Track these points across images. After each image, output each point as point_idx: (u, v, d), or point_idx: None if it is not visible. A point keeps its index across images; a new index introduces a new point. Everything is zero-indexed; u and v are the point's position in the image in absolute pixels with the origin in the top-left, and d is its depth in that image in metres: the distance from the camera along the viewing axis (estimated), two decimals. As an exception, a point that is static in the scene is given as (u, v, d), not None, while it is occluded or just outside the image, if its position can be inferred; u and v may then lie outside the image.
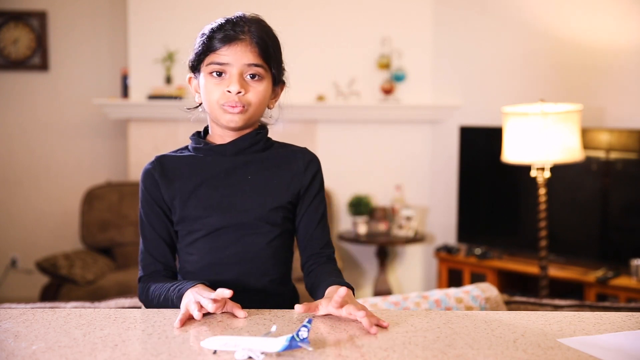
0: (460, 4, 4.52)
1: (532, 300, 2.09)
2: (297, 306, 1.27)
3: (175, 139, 4.58)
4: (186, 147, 1.52)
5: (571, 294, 3.70)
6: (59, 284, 3.86)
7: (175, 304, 1.36)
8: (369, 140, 4.66)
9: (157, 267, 1.48)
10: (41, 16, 4.72)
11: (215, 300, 1.28)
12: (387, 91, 4.57)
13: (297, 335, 1.10)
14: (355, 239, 4.41)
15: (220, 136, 1.48)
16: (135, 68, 4.49)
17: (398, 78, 4.57)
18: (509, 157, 3.43)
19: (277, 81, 1.48)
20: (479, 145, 4.29)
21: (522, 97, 3.95)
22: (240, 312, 1.29)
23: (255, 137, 1.47)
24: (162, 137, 4.57)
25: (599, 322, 1.31)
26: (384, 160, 4.70)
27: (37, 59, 4.75)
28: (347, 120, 4.61)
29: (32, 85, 4.77)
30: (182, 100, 4.43)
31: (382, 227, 4.52)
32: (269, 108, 1.51)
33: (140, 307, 1.92)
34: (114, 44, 4.76)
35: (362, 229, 4.46)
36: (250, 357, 1.08)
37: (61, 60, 4.78)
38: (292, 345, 1.10)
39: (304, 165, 1.49)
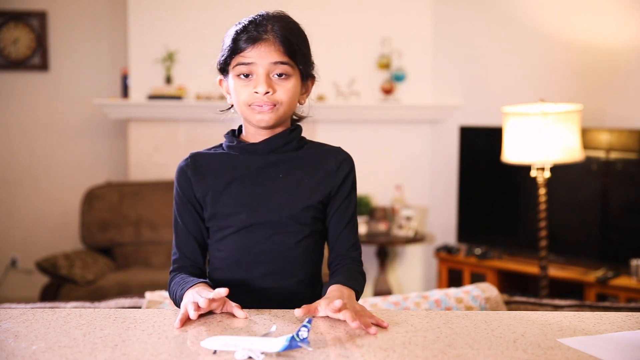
0: (460, 4, 4.52)
1: (532, 300, 2.09)
2: (296, 310, 1.27)
3: (175, 139, 4.59)
4: (220, 145, 1.52)
5: (571, 294, 3.70)
6: (59, 284, 3.86)
7: (178, 304, 1.36)
8: (369, 140, 4.66)
9: (185, 263, 1.49)
10: (41, 16, 4.72)
11: (212, 300, 1.28)
12: (387, 91, 4.57)
13: (297, 335, 1.10)
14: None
15: (253, 135, 1.48)
16: (135, 68, 4.49)
17: (398, 78, 4.57)
18: (509, 157, 3.43)
19: (306, 76, 1.48)
20: (479, 145, 4.29)
21: (522, 97, 3.95)
22: (240, 312, 1.29)
23: (288, 135, 1.47)
24: (162, 137, 4.57)
25: (599, 322, 1.31)
26: (384, 160, 4.70)
27: (37, 59, 4.75)
28: (347, 120, 4.61)
29: (32, 85, 4.78)
30: (182, 100, 4.43)
31: (382, 227, 4.52)
32: (300, 104, 1.50)
33: (140, 307, 1.92)
34: (114, 44, 4.76)
35: (362, 229, 4.46)
36: (250, 357, 1.08)
37: (61, 60, 4.78)
38: (292, 345, 1.10)
39: (336, 165, 1.48)
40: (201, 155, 1.50)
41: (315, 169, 1.47)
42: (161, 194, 4.36)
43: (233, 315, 1.30)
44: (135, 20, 4.48)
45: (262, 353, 1.09)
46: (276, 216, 1.43)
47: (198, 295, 1.30)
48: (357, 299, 1.42)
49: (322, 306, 1.29)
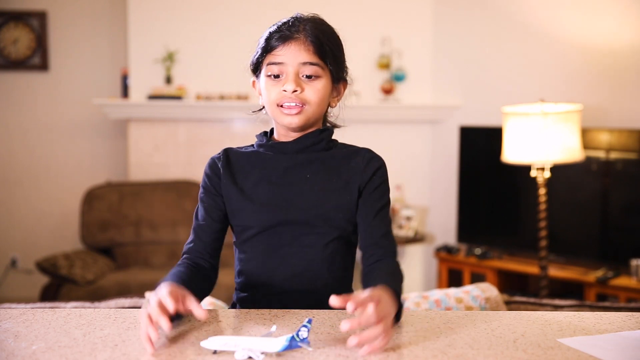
0: (460, 4, 4.52)
1: (532, 300, 2.09)
2: (332, 298, 1.14)
3: (175, 139, 4.59)
4: (252, 145, 1.53)
5: (571, 294, 3.70)
6: (59, 284, 3.86)
7: None
8: (369, 140, 4.63)
9: (197, 246, 1.46)
10: (41, 16, 4.72)
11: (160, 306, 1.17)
12: (387, 91, 4.57)
13: (297, 335, 1.10)
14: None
15: (284, 136, 1.48)
16: (135, 68, 4.49)
17: (398, 78, 4.57)
18: (509, 157, 3.43)
19: (338, 79, 1.47)
20: (479, 145, 4.29)
21: (522, 97, 3.95)
22: (199, 312, 1.17)
23: (318, 136, 1.47)
24: (162, 137, 4.57)
25: (599, 322, 1.31)
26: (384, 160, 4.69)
27: (37, 59, 4.75)
28: (346, 120, 4.60)
29: (32, 85, 4.77)
30: (182, 100, 4.43)
31: (382, 227, 4.51)
32: (330, 107, 1.51)
33: (140, 307, 1.92)
34: (114, 44, 4.76)
35: (362, 229, 4.45)
36: (250, 357, 1.08)
37: (61, 60, 4.78)
38: (292, 345, 1.10)
39: (364, 163, 1.47)
40: (233, 152, 1.50)
41: (343, 168, 1.46)
42: (161, 194, 4.36)
43: (234, 316, 1.30)
44: (135, 20, 4.48)
45: (262, 353, 1.09)
46: (304, 216, 1.41)
47: (155, 295, 1.20)
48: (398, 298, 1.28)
49: (355, 302, 1.14)
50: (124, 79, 4.54)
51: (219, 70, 4.47)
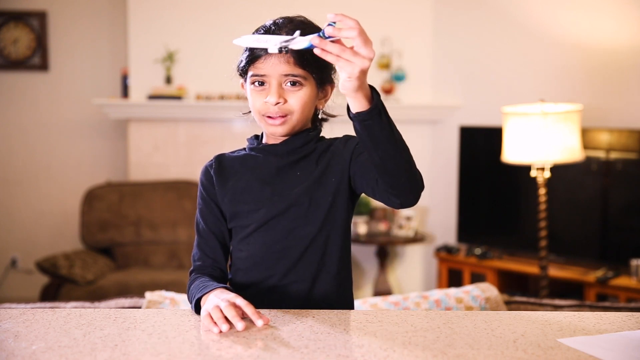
0: (460, 4, 4.52)
1: (532, 300, 2.09)
2: (329, 15, 1.18)
3: (175, 139, 4.58)
4: (244, 148, 1.54)
5: (571, 294, 3.70)
6: (59, 284, 3.86)
7: (197, 309, 1.35)
8: (369, 140, 4.66)
9: (206, 262, 1.49)
10: (41, 16, 4.72)
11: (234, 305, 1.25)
12: (387, 91, 4.57)
13: (323, 33, 1.15)
14: (355, 239, 4.40)
15: (273, 138, 1.50)
16: (135, 68, 4.49)
17: (398, 78, 4.57)
18: (509, 157, 3.43)
19: (323, 82, 1.49)
20: (479, 145, 4.29)
21: (522, 97, 3.95)
22: (259, 321, 1.24)
23: (306, 136, 1.49)
24: (162, 137, 4.57)
25: (599, 322, 1.31)
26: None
27: (37, 59, 4.75)
28: (347, 120, 4.60)
29: (32, 85, 4.78)
30: (182, 100, 4.43)
31: (382, 227, 4.52)
32: (318, 109, 1.52)
33: (140, 307, 1.92)
34: (114, 44, 4.76)
35: (362, 228, 4.46)
36: (281, 49, 1.17)
37: (61, 60, 4.78)
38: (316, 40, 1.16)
39: (342, 143, 1.50)
40: (225, 157, 1.52)
41: (325, 155, 1.48)
42: (161, 194, 4.36)
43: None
44: (135, 20, 4.48)
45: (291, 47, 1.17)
46: (295, 208, 1.43)
47: (218, 299, 1.27)
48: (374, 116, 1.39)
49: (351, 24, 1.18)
50: (124, 79, 4.54)
51: (219, 70, 4.45)
